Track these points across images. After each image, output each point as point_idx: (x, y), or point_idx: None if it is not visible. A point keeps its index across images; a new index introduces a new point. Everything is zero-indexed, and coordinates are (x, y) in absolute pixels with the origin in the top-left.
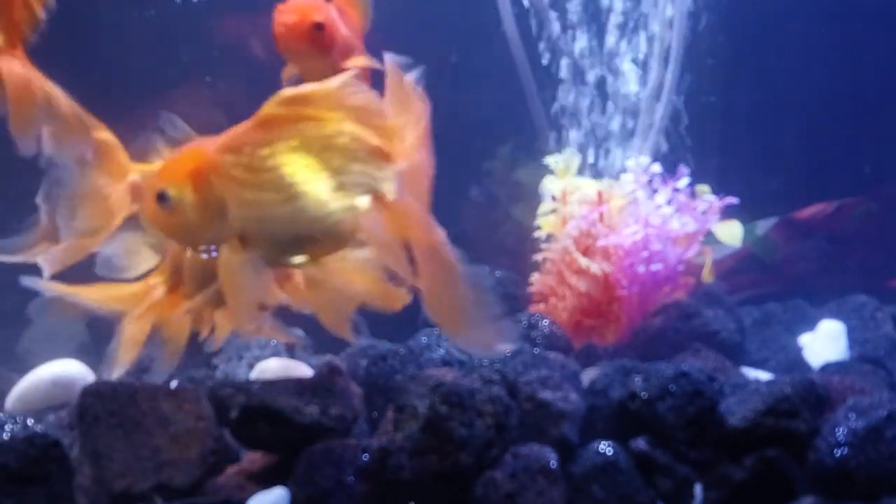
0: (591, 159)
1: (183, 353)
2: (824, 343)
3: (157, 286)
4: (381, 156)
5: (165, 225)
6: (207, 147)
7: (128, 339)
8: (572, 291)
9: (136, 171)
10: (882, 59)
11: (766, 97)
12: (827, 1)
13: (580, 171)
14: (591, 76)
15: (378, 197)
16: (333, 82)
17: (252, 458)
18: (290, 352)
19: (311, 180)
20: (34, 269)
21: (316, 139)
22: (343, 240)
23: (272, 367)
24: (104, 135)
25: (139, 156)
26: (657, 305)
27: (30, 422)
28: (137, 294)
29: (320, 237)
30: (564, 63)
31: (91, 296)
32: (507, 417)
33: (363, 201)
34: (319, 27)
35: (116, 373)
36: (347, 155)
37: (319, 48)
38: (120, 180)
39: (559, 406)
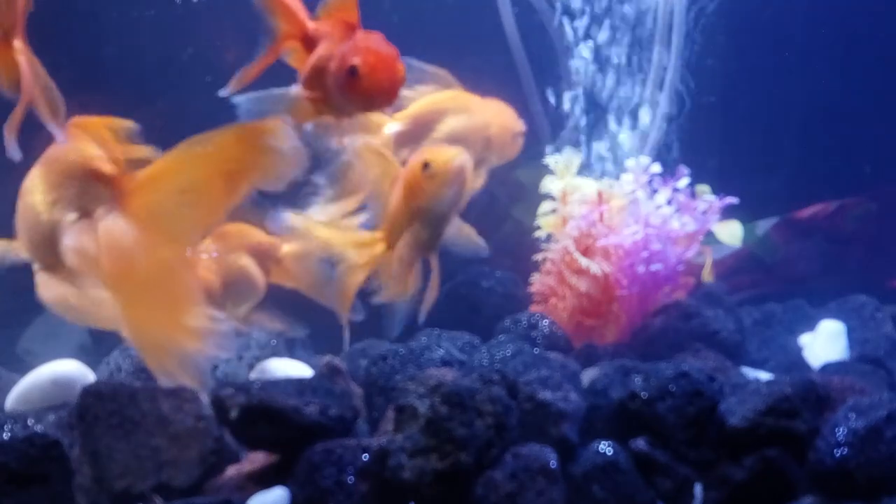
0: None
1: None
2: (824, 343)
3: (379, 242)
4: (102, 180)
5: None
6: None
7: (346, 288)
8: (572, 291)
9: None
10: (882, 58)
11: (766, 97)
12: (827, 0)
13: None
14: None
15: (87, 216)
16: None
17: (252, 458)
18: (291, 352)
19: (33, 193)
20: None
21: (51, 157)
22: (53, 250)
23: (272, 367)
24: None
25: None
26: (657, 305)
27: (30, 422)
28: (363, 243)
29: (40, 246)
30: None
31: (323, 234)
32: (507, 417)
33: (69, 217)
34: None
35: (345, 318)
36: (66, 174)
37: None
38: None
39: (559, 406)
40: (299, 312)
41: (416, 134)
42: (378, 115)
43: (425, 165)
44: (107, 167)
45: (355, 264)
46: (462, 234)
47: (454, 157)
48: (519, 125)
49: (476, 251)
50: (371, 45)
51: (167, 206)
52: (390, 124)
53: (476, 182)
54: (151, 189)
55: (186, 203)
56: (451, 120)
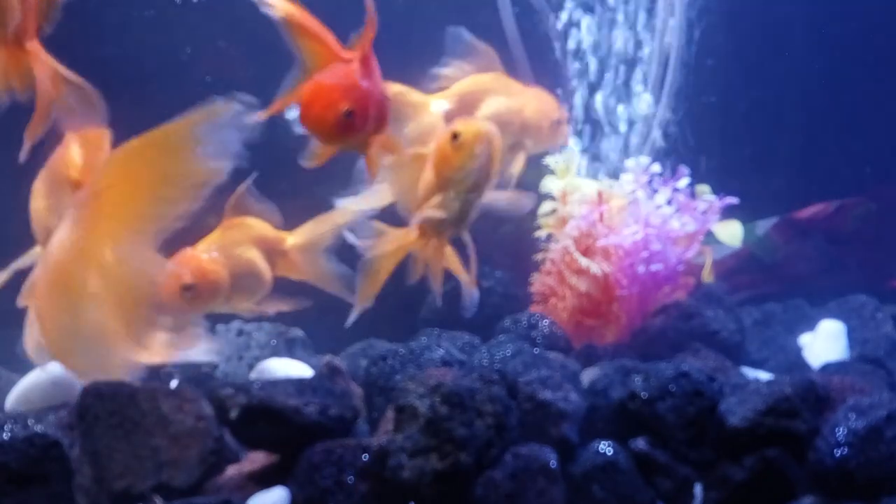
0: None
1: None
2: (824, 343)
3: (412, 233)
4: (74, 186)
5: None
6: None
7: (375, 272)
8: (572, 291)
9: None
10: (882, 58)
11: (765, 97)
12: (826, 1)
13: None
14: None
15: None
16: None
17: (252, 458)
18: (291, 352)
19: (35, 199)
20: None
21: (48, 164)
22: None
23: (272, 367)
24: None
25: None
26: (657, 305)
27: (30, 422)
28: (399, 237)
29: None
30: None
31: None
32: (507, 417)
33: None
34: (349, 114)
35: (360, 305)
36: (59, 183)
37: (350, 133)
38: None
39: (559, 406)
40: (299, 312)
41: (460, 113)
42: (419, 94)
43: (454, 137)
44: (77, 175)
45: (387, 250)
46: (501, 197)
47: (482, 128)
48: (557, 113)
49: (520, 206)
50: (324, 76)
51: (113, 208)
52: (439, 102)
53: (515, 167)
54: (96, 194)
55: (134, 201)
56: (491, 101)
